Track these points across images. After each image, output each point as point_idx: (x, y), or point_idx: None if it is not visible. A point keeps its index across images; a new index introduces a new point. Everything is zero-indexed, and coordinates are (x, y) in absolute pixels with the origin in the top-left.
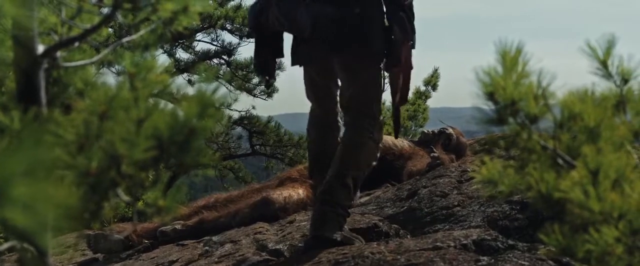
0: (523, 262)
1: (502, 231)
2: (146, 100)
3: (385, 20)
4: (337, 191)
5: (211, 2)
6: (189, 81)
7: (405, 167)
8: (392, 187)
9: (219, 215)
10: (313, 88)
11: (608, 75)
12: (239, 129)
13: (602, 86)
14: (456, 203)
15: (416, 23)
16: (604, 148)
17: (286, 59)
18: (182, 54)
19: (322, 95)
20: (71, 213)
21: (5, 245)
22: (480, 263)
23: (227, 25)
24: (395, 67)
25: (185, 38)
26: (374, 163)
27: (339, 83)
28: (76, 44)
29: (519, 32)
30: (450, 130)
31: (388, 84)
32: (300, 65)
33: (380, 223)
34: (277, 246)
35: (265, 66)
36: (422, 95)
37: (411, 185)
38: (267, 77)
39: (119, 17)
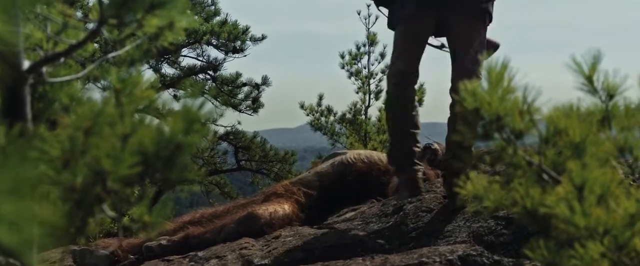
0: None
1: (488, 246)
2: (132, 115)
3: None
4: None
5: (197, 17)
6: (175, 96)
7: (391, 183)
8: (377, 203)
9: (204, 231)
10: (412, 48)
11: (593, 91)
12: (224, 144)
13: (588, 101)
14: (442, 219)
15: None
16: (590, 164)
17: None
18: (167, 69)
19: (414, 63)
20: (56, 231)
21: None
22: None
23: (212, 41)
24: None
25: (170, 53)
26: None
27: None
28: (62, 59)
29: (504, 47)
30: (436, 146)
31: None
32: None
33: (366, 239)
34: (263, 262)
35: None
36: None
37: (397, 201)
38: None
39: (105, 33)
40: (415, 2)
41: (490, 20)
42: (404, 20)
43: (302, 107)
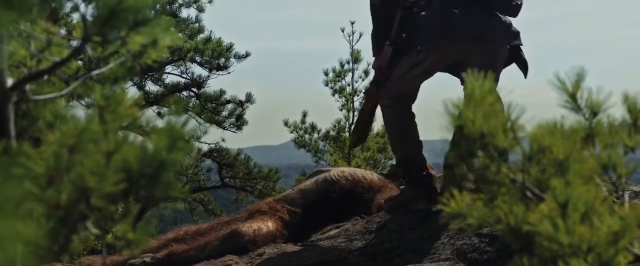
0: None
1: (472, 264)
2: (116, 133)
3: None
4: None
5: (180, 35)
6: (159, 114)
7: (375, 200)
8: (361, 220)
9: (188, 248)
10: (425, 76)
11: (577, 108)
12: (208, 161)
13: (571, 119)
14: (426, 236)
15: None
16: (573, 181)
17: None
18: (151, 87)
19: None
20: (40, 249)
21: None
22: None
23: (196, 58)
24: None
25: (154, 71)
26: None
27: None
28: (45, 76)
29: None
30: None
31: None
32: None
33: (350, 256)
34: None
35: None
36: None
37: (381, 218)
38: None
39: (89, 50)
40: (441, 36)
41: (525, 67)
42: (426, 50)
43: (286, 124)
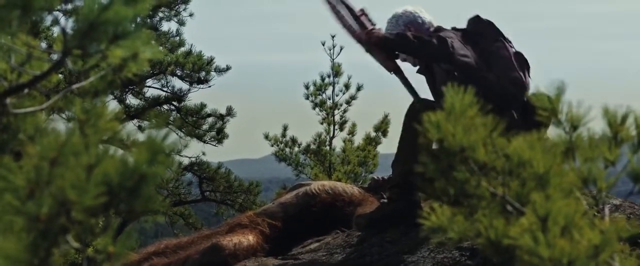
0: None
1: None
2: (96, 146)
3: None
4: None
5: (161, 48)
6: (140, 127)
7: (356, 213)
8: (342, 233)
9: (168, 262)
10: None
11: (557, 122)
12: (189, 175)
13: (552, 133)
14: (406, 249)
15: None
16: (553, 195)
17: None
18: (132, 100)
19: None
20: (20, 263)
21: None
22: None
23: (177, 72)
24: None
25: (135, 84)
26: None
27: None
28: (26, 90)
29: None
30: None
31: None
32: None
33: None
34: None
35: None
36: (372, 141)
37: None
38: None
39: (69, 64)
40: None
41: None
42: None
43: (266, 137)
